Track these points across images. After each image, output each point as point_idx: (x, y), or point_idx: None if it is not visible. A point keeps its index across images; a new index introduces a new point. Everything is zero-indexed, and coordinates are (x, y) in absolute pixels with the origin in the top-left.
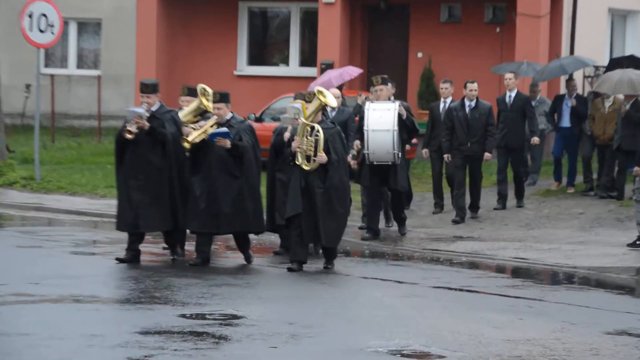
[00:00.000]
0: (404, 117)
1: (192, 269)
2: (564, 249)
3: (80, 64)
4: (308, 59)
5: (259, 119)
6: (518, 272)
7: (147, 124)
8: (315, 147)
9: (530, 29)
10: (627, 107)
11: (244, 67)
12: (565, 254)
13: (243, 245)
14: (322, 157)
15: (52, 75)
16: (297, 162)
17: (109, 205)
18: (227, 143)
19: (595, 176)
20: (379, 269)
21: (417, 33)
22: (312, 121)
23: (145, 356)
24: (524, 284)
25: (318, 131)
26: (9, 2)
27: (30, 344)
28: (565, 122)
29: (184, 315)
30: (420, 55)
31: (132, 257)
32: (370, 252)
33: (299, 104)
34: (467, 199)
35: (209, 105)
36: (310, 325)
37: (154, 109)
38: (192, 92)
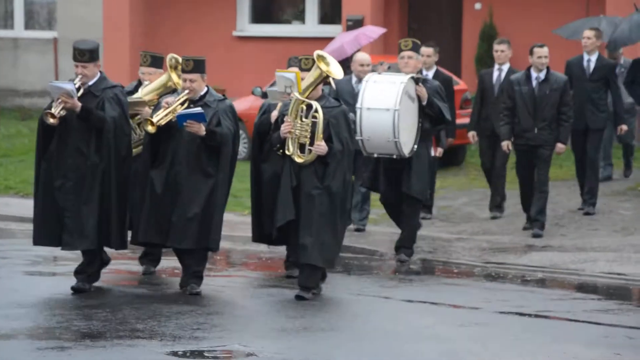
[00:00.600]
0: (424, 100)
1: (183, 294)
2: None
3: (29, 24)
4: (330, 14)
5: (266, 94)
6: (613, 292)
7: (78, 104)
8: (313, 133)
9: None
10: None
11: (245, 26)
12: None
13: (195, 265)
14: (320, 146)
15: None
16: (287, 152)
17: None
18: (201, 129)
19: None
20: (429, 289)
21: None
22: (308, 97)
23: None
24: (620, 308)
25: (316, 111)
26: None
27: None
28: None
29: (175, 354)
30: (478, 6)
31: (83, 283)
32: (417, 268)
33: (292, 73)
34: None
35: (177, 80)
36: None
37: (90, 83)
38: (157, 62)
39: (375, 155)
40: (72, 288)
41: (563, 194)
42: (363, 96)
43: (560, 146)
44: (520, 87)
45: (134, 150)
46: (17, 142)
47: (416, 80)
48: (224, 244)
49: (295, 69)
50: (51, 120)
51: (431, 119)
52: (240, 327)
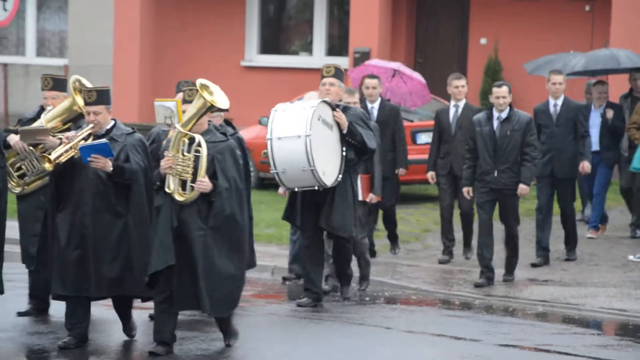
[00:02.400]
0: (344, 128)
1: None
2: None
3: (41, 51)
4: (337, 46)
5: None
6: (613, 328)
7: (109, 164)
8: (196, 169)
9: (630, 5)
10: None
11: (253, 56)
12: None
13: (124, 312)
14: (203, 183)
15: (4, 65)
16: (167, 190)
17: None
18: (108, 164)
19: None
20: (430, 320)
21: (480, 13)
22: (192, 130)
23: None
24: (620, 344)
25: (199, 145)
26: None
27: None
28: (595, 144)
29: None
30: (484, 41)
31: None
32: (418, 299)
33: (173, 102)
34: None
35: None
36: None
37: (107, 127)
38: (59, 85)
39: (297, 189)
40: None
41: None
42: (272, 126)
43: (522, 187)
44: (481, 128)
45: (32, 184)
46: None
47: (333, 107)
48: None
49: (177, 99)
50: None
51: (355, 148)
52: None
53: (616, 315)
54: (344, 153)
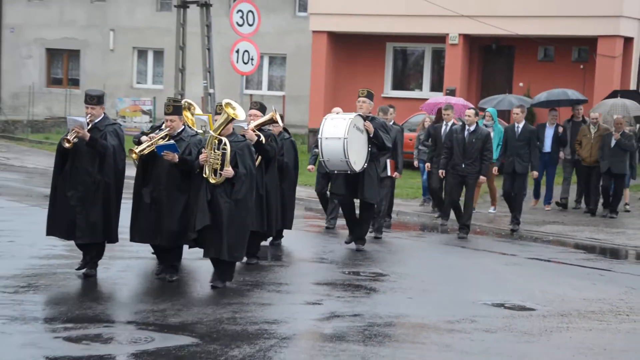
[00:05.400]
0: (371, 132)
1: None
2: (629, 233)
3: (270, 87)
4: (436, 85)
5: None
6: (592, 249)
7: (87, 134)
8: (223, 161)
9: (607, 67)
10: (619, 135)
11: (389, 91)
12: (628, 236)
13: (170, 258)
14: (228, 171)
15: (250, 95)
16: (204, 175)
17: None
18: (175, 157)
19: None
20: (487, 243)
21: (520, 68)
22: (220, 134)
23: (317, 300)
24: (596, 258)
25: (225, 144)
26: (221, 42)
27: (229, 288)
28: (547, 147)
29: (343, 272)
30: (521, 84)
31: (91, 270)
32: (480, 231)
33: (205, 116)
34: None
35: (190, 117)
36: (436, 283)
37: (97, 120)
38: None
39: (335, 172)
40: (84, 274)
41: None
42: (322, 129)
43: (482, 178)
44: (457, 135)
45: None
46: None
47: (364, 118)
48: None
49: (209, 114)
50: (67, 145)
51: (377, 146)
52: (381, 260)
53: (594, 242)
54: (370, 149)
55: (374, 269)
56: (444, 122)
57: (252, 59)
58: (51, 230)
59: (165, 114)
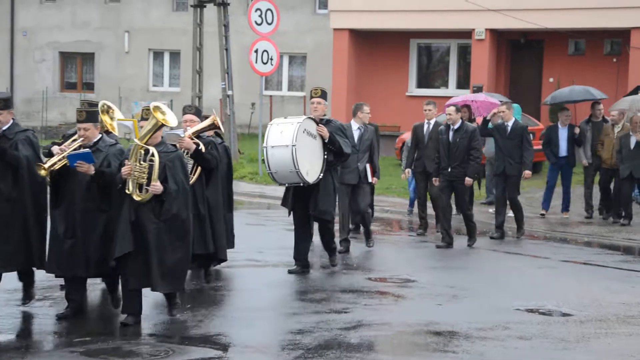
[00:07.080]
0: (325, 138)
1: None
2: None
3: (290, 88)
4: (462, 82)
5: None
6: (629, 250)
7: (92, 169)
8: (150, 174)
9: None
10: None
11: (413, 89)
12: None
13: (111, 288)
14: (155, 186)
15: (270, 96)
16: (127, 191)
17: None
18: (91, 168)
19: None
20: (519, 246)
21: (549, 63)
22: (147, 143)
23: (343, 309)
24: (634, 260)
25: (153, 155)
26: (240, 42)
27: (252, 296)
28: (563, 151)
29: (369, 279)
30: (551, 80)
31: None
32: (512, 233)
33: (130, 121)
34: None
35: (109, 122)
36: (466, 289)
37: (5, 127)
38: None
39: (287, 185)
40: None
41: (579, 198)
42: (267, 137)
43: (467, 180)
44: (442, 136)
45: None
46: None
47: (317, 121)
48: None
49: (133, 119)
50: None
51: (334, 153)
52: (408, 265)
53: (632, 243)
54: (325, 157)
55: (401, 274)
56: (425, 121)
57: (271, 59)
58: None
59: (78, 121)
